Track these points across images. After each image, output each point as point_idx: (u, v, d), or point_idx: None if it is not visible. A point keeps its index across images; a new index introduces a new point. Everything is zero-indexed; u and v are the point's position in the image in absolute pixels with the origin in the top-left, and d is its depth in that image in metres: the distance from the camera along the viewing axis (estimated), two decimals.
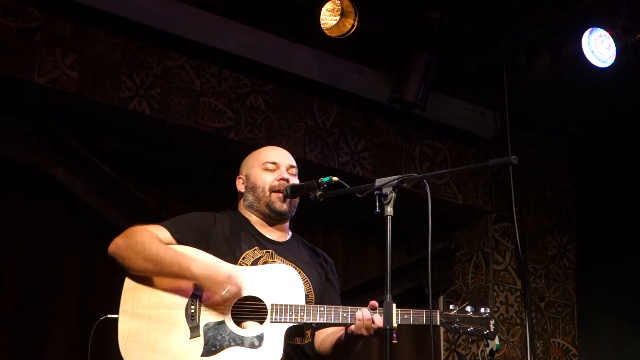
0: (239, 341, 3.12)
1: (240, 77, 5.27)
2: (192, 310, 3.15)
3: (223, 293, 3.10)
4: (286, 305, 3.15)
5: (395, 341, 2.89)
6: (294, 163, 3.54)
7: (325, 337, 3.35)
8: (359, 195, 3.17)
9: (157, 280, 3.17)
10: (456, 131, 5.96)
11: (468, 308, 3.22)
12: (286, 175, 3.44)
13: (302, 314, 3.15)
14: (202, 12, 5.04)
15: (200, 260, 3.14)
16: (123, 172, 5.08)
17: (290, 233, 3.53)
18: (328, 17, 5.06)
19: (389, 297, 2.90)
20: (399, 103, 5.53)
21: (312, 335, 3.36)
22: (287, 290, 3.20)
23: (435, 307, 5.90)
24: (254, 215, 3.47)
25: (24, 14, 4.67)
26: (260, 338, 3.12)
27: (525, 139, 6.18)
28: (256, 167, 3.49)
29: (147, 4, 4.87)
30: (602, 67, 5.14)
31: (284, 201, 3.41)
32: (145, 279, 3.18)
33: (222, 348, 3.10)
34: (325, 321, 3.18)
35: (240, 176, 3.54)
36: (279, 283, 3.21)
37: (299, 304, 3.17)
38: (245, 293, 3.18)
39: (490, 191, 6.06)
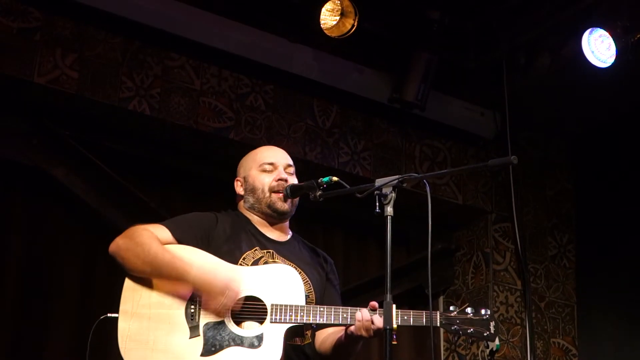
0: (239, 341, 3.11)
1: (240, 77, 5.27)
2: (192, 310, 3.14)
3: (218, 306, 3.08)
4: (286, 306, 3.15)
5: (395, 342, 2.89)
6: (291, 162, 3.54)
7: (326, 338, 3.35)
8: (359, 195, 3.17)
9: (157, 280, 3.17)
10: (456, 131, 5.96)
11: (468, 309, 3.22)
12: (284, 175, 3.44)
13: (302, 314, 3.15)
14: (202, 12, 5.04)
15: (198, 266, 3.13)
16: (123, 172, 5.08)
17: (290, 233, 3.53)
18: (328, 17, 5.06)
19: (388, 297, 2.90)
20: (399, 103, 5.53)
21: (312, 336, 3.36)
22: (287, 290, 3.20)
23: (435, 307, 5.91)
24: (255, 216, 3.46)
25: (24, 14, 4.67)
26: (259, 338, 3.12)
27: (525, 139, 6.18)
28: (254, 169, 3.48)
29: (147, 4, 4.87)
30: (602, 67, 5.14)
31: (285, 201, 3.41)
32: (145, 279, 3.18)
33: (221, 348, 3.10)
34: (325, 322, 3.18)
35: (238, 178, 3.53)
36: (279, 283, 3.21)
37: (299, 304, 3.17)
38: (244, 294, 3.18)
39: (490, 191, 6.06)
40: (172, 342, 3.10)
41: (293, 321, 3.15)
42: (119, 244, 3.20)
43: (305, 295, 3.23)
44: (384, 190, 3.03)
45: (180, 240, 3.25)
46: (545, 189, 6.27)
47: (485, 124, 5.99)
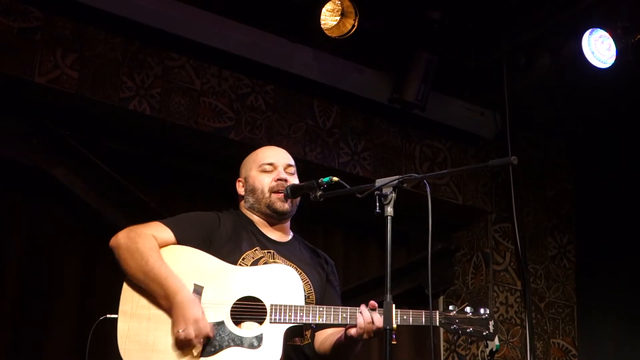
0: (238, 341, 3.11)
1: (241, 77, 5.27)
2: None
3: (179, 331, 3.06)
4: (285, 306, 3.15)
5: (394, 342, 2.89)
6: (291, 162, 3.53)
7: (325, 338, 3.35)
8: (359, 196, 3.17)
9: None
10: (456, 131, 5.96)
11: (468, 309, 3.22)
12: (284, 176, 3.44)
13: (301, 314, 3.15)
14: (202, 12, 5.04)
15: (185, 294, 3.09)
16: (123, 172, 5.08)
17: (291, 233, 3.53)
18: (328, 18, 5.06)
19: (388, 297, 2.90)
20: (399, 103, 5.53)
21: (312, 336, 3.36)
22: (286, 290, 3.20)
23: (435, 308, 5.90)
24: (255, 216, 3.46)
25: (25, 14, 4.67)
26: (259, 338, 3.12)
27: (525, 139, 6.18)
28: (254, 169, 3.48)
29: (147, 4, 4.87)
30: (602, 68, 5.14)
31: (285, 201, 3.41)
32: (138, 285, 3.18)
33: (221, 348, 3.10)
34: (324, 322, 3.18)
35: (239, 179, 3.54)
36: (279, 283, 3.20)
37: (299, 304, 3.17)
38: (243, 294, 3.18)
39: (490, 191, 6.06)
40: (172, 342, 3.09)
41: (292, 321, 3.15)
42: (120, 243, 3.19)
43: (305, 296, 3.23)
44: (384, 191, 3.03)
45: (181, 241, 3.24)
46: (545, 190, 6.27)
47: (485, 124, 5.99)
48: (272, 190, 3.41)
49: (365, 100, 5.60)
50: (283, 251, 3.39)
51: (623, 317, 5.80)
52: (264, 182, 3.44)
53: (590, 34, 5.11)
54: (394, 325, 2.89)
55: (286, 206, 3.42)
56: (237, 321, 3.15)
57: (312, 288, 3.33)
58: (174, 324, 3.08)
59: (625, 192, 5.90)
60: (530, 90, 5.72)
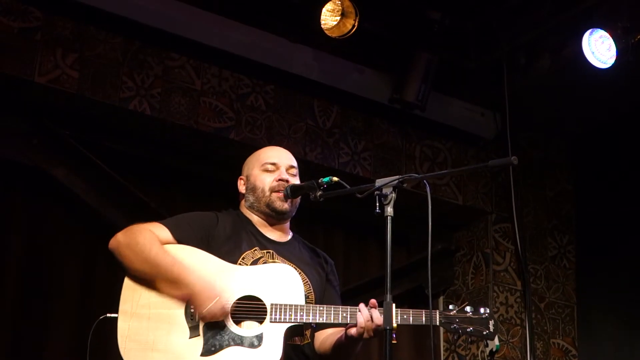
0: (239, 341, 3.11)
1: (241, 77, 5.27)
2: (192, 310, 3.14)
3: (204, 310, 3.08)
4: (286, 305, 3.15)
5: (394, 341, 2.89)
6: (294, 163, 3.54)
7: (325, 338, 3.35)
8: (359, 196, 3.17)
9: (155, 280, 3.17)
10: (456, 132, 5.96)
11: (467, 308, 3.22)
12: (285, 176, 3.44)
13: (301, 314, 3.15)
14: (202, 12, 5.04)
15: (197, 273, 3.12)
16: (123, 172, 5.08)
17: (291, 234, 3.53)
18: (329, 18, 5.06)
19: (389, 297, 2.90)
20: (399, 103, 5.53)
21: (312, 336, 3.36)
22: (287, 290, 3.20)
23: (435, 308, 5.92)
24: (255, 216, 3.46)
25: (25, 14, 4.67)
26: (259, 338, 3.12)
27: (525, 140, 6.18)
28: (256, 168, 3.48)
29: (147, 4, 4.88)
30: (602, 68, 5.14)
31: (285, 201, 3.41)
32: (145, 279, 3.17)
33: (221, 348, 3.10)
34: (324, 321, 3.18)
35: (241, 177, 3.54)
36: (279, 283, 3.20)
37: (299, 304, 3.17)
38: (244, 294, 3.18)
39: (490, 192, 6.06)
40: (172, 342, 3.10)
41: (293, 321, 3.15)
42: (120, 241, 3.20)
43: (305, 296, 3.23)
44: (384, 191, 3.03)
45: (180, 240, 3.24)
46: (546, 190, 6.27)
47: (485, 125, 5.99)
48: (273, 190, 3.41)
49: (365, 100, 5.60)
50: (282, 251, 3.39)
51: (623, 317, 5.80)
52: (266, 181, 3.44)
53: (591, 34, 5.11)
54: (394, 325, 2.90)
55: (286, 206, 3.42)
56: (237, 320, 3.15)
57: (311, 288, 3.33)
58: (197, 303, 3.08)
59: (625, 192, 5.90)
60: (530, 91, 5.72)
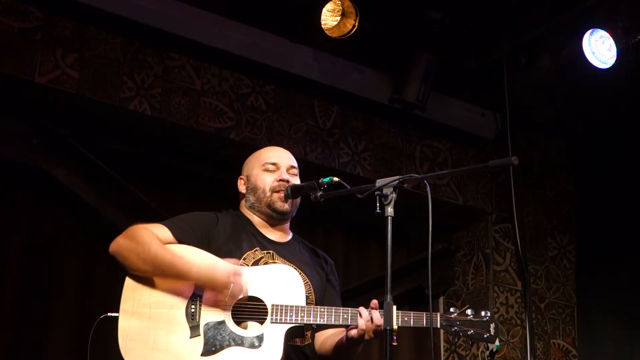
0: (239, 341, 3.11)
1: (241, 77, 5.27)
2: (193, 310, 3.14)
3: (225, 298, 3.09)
4: (286, 306, 3.15)
5: (395, 343, 2.89)
6: (294, 163, 3.54)
7: (326, 339, 3.35)
8: (359, 196, 3.17)
9: (158, 279, 3.17)
10: (456, 132, 5.96)
11: (469, 311, 3.22)
12: (286, 176, 3.44)
13: (302, 314, 3.15)
14: (202, 12, 5.04)
15: (198, 263, 3.13)
16: (123, 172, 5.08)
17: (291, 234, 3.53)
18: (329, 18, 5.05)
19: (389, 297, 2.90)
20: (399, 103, 5.54)
21: (312, 337, 3.36)
22: (287, 290, 3.20)
23: (436, 308, 5.95)
24: (255, 216, 3.46)
25: (25, 14, 4.67)
26: (260, 338, 3.12)
27: (525, 140, 6.18)
28: (257, 168, 3.48)
29: (147, 4, 4.87)
30: (602, 68, 5.14)
31: (285, 201, 3.41)
32: (146, 278, 3.17)
33: (222, 348, 3.10)
34: (325, 322, 3.18)
35: (241, 177, 3.54)
36: (280, 283, 3.20)
37: (300, 304, 3.17)
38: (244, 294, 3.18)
39: (490, 192, 6.06)
40: (173, 341, 3.10)
41: (293, 321, 3.15)
42: (120, 244, 3.19)
43: (306, 296, 3.23)
44: (385, 191, 3.03)
45: (180, 241, 3.24)
46: (546, 190, 6.27)
47: (485, 125, 5.99)
48: (273, 190, 3.41)
49: (365, 100, 5.60)
50: (282, 252, 3.39)
51: (623, 317, 5.80)
52: (266, 181, 3.44)
53: (591, 34, 5.11)
54: (395, 327, 2.89)
55: (286, 206, 3.42)
56: (238, 321, 3.15)
57: (311, 288, 3.33)
58: (207, 295, 3.10)
59: (625, 192, 5.90)
60: (530, 91, 5.72)
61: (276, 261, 3.32)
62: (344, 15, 5.06)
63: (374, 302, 3.17)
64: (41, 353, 4.77)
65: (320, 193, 3.31)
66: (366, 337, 3.15)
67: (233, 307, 3.16)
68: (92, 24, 4.85)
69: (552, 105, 5.85)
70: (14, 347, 4.69)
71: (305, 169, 4.59)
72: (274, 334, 3.12)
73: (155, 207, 5.03)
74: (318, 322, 3.18)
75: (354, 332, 3.16)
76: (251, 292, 3.18)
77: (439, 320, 3.19)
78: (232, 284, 3.09)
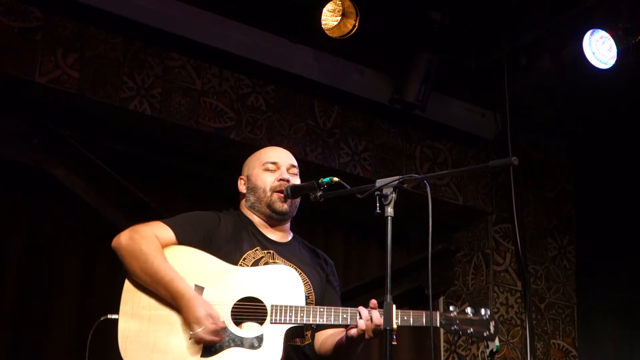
0: (239, 342, 3.11)
1: (241, 78, 5.27)
2: None
3: (194, 332, 3.06)
4: (286, 306, 3.15)
5: (395, 342, 2.89)
6: (294, 163, 3.54)
7: (326, 339, 3.35)
8: (359, 196, 3.17)
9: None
10: (457, 132, 5.96)
11: (468, 310, 3.21)
12: (286, 176, 3.44)
13: (302, 315, 3.15)
14: (203, 12, 5.04)
15: (192, 294, 3.10)
16: (123, 172, 5.08)
17: (291, 234, 3.53)
18: (329, 18, 5.05)
19: (389, 297, 2.90)
20: (399, 104, 5.53)
21: (312, 337, 3.36)
22: (287, 291, 3.19)
23: (436, 308, 5.90)
24: (255, 216, 3.46)
25: (25, 14, 4.67)
26: (259, 339, 3.12)
27: (525, 140, 6.18)
28: (257, 168, 3.48)
29: (147, 4, 4.88)
30: (603, 68, 5.14)
31: (285, 201, 3.41)
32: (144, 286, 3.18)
33: (221, 349, 3.10)
34: (325, 322, 3.18)
35: (241, 177, 3.54)
36: (279, 284, 3.20)
37: (299, 305, 3.17)
38: (244, 295, 3.18)
39: (490, 192, 6.06)
40: (173, 343, 3.09)
41: (293, 322, 3.14)
42: (122, 244, 3.19)
43: (305, 296, 3.23)
44: (385, 191, 3.03)
45: (182, 241, 3.24)
46: (546, 190, 6.27)
47: (485, 125, 5.99)
48: (274, 190, 3.41)
49: (365, 100, 5.60)
50: (283, 252, 3.39)
51: (623, 317, 5.80)
52: (267, 180, 3.44)
53: (591, 34, 5.11)
54: (394, 326, 2.89)
55: (285, 206, 3.42)
56: (237, 322, 3.14)
57: (311, 288, 3.33)
58: (187, 326, 3.08)
59: (625, 192, 5.90)
60: (530, 91, 5.72)
61: (276, 261, 3.33)
62: (344, 15, 5.06)
63: (373, 301, 3.17)
64: (41, 353, 4.77)
65: (320, 193, 3.30)
66: (366, 336, 3.14)
67: (232, 307, 3.16)
68: (92, 24, 4.85)
69: (552, 106, 5.85)
70: (14, 347, 4.69)
71: (306, 169, 4.59)
72: (274, 335, 3.12)
73: (155, 207, 5.03)
74: (317, 322, 3.18)
75: (353, 332, 3.16)
76: (250, 293, 3.18)
77: (438, 319, 3.19)
78: (204, 325, 3.06)
